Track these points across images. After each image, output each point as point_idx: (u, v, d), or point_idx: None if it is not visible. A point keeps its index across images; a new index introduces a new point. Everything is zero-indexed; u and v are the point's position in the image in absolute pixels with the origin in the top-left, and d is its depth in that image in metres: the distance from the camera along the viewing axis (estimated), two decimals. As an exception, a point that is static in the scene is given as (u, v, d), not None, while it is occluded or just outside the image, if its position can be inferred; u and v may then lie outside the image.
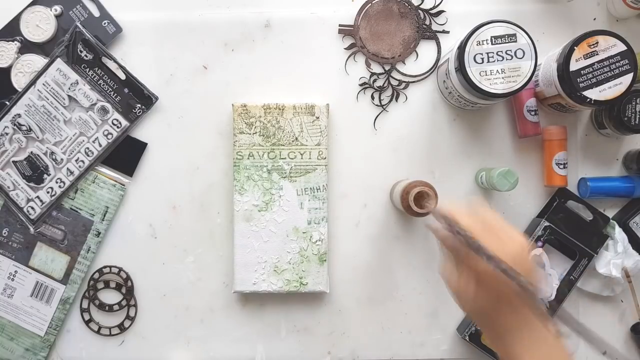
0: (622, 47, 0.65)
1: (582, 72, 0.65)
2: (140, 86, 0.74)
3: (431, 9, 0.74)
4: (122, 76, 0.73)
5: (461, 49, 0.64)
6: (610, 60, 0.65)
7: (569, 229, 0.72)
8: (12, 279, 0.74)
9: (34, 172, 0.73)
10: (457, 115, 0.75)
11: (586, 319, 0.75)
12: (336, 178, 0.75)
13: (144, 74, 0.74)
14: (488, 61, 0.64)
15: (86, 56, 0.73)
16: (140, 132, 0.75)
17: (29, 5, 0.73)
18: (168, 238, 0.75)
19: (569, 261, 0.73)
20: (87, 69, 0.73)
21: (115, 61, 0.73)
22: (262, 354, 0.75)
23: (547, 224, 0.72)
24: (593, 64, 0.65)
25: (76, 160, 0.74)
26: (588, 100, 0.65)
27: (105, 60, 0.73)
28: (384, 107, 0.75)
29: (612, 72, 0.65)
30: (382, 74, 0.75)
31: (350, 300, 0.75)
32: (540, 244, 0.71)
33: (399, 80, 0.75)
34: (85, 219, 0.74)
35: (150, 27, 0.74)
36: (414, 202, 0.66)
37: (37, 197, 0.73)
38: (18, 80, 0.73)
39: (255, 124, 0.72)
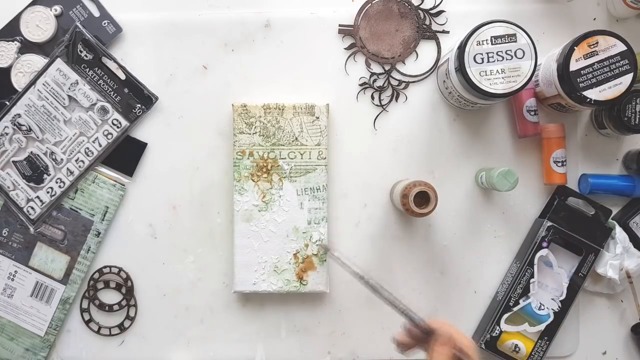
0: (622, 47, 0.65)
1: (582, 72, 0.65)
2: (140, 86, 0.74)
3: (431, 9, 0.74)
4: (122, 76, 0.73)
5: (461, 49, 0.64)
6: (610, 60, 0.65)
7: (572, 226, 0.72)
8: (12, 279, 0.74)
9: (34, 172, 0.73)
10: (457, 115, 0.75)
11: (586, 319, 0.75)
12: (336, 178, 0.75)
13: (144, 74, 0.74)
14: (488, 61, 0.64)
15: (86, 56, 0.73)
16: (140, 132, 0.75)
17: (29, 5, 0.73)
18: (168, 238, 0.75)
19: (576, 257, 0.73)
20: (87, 69, 0.73)
21: (115, 61, 0.73)
22: (262, 354, 0.75)
23: (549, 224, 0.71)
24: (593, 64, 0.65)
25: (76, 160, 0.74)
26: (588, 100, 0.65)
27: (105, 60, 0.73)
28: (384, 107, 0.75)
29: (612, 72, 0.65)
30: (382, 74, 0.75)
31: (350, 300, 0.75)
32: (545, 244, 0.71)
33: (399, 80, 0.75)
34: (85, 219, 0.74)
35: (150, 27, 0.74)
36: (414, 202, 0.66)
37: (37, 197, 0.73)
38: (18, 80, 0.73)
39: (255, 124, 0.72)
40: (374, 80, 0.75)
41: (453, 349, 0.57)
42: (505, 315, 0.72)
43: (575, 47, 0.65)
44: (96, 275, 0.75)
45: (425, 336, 0.59)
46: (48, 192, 0.74)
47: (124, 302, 0.75)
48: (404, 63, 0.75)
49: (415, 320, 0.59)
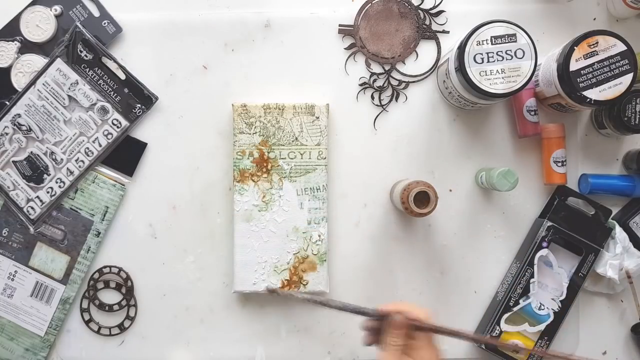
0: (622, 47, 0.65)
1: (582, 72, 0.65)
2: (140, 86, 0.74)
3: (431, 9, 0.74)
4: (122, 76, 0.73)
5: (461, 49, 0.64)
6: (610, 60, 0.65)
7: (572, 226, 0.72)
8: (12, 279, 0.74)
9: (34, 172, 0.73)
10: (457, 115, 0.75)
11: (586, 319, 0.75)
12: (336, 178, 0.75)
13: (144, 74, 0.74)
14: (488, 61, 0.64)
15: (86, 56, 0.73)
16: (140, 132, 0.75)
17: (29, 5, 0.73)
18: (168, 238, 0.75)
19: (576, 257, 0.73)
20: (87, 69, 0.73)
21: (115, 61, 0.73)
22: (262, 354, 0.75)
23: (549, 224, 0.71)
24: (593, 64, 0.65)
25: (76, 160, 0.74)
26: (588, 100, 0.65)
27: (105, 60, 0.73)
28: (384, 107, 0.75)
29: (612, 72, 0.65)
30: (382, 74, 0.75)
31: (350, 300, 0.75)
32: (545, 244, 0.71)
33: (399, 80, 0.75)
34: (85, 219, 0.74)
35: (150, 27, 0.74)
36: (414, 202, 0.66)
37: (37, 197, 0.73)
38: (18, 80, 0.73)
39: (255, 124, 0.72)
40: (374, 80, 0.75)
41: (407, 320, 0.56)
42: (505, 315, 0.72)
43: (575, 47, 0.65)
44: (96, 275, 0.75)
45: (382, 323, 0.58)
46: (48, 192, 0.74)
47: (124, 302, 0.75)
48: (404, 63, 0.75)
49: (367, 313, 0.59)
